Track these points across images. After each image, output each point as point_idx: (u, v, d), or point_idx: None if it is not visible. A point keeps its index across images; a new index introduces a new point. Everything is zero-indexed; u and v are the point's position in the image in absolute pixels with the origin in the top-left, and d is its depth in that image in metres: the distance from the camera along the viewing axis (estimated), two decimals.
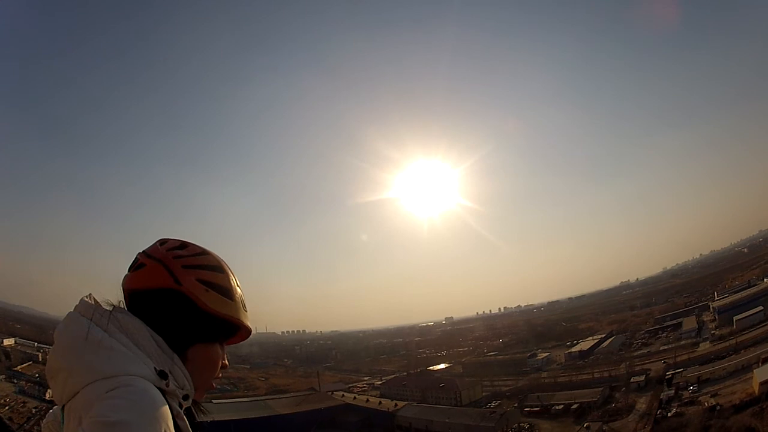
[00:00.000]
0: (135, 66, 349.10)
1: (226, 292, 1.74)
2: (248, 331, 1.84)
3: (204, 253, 1.78)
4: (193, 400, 1.68)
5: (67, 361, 1.44)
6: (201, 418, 1.76)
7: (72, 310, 1.60)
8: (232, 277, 1.79)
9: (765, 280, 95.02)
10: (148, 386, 1.39)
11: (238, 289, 1.80)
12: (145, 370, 1.45)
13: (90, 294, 1.66)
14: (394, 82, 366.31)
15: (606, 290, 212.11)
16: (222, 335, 1.77)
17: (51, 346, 1.36)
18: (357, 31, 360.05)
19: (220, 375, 1.81)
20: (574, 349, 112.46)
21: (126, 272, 1.76)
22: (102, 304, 1.63)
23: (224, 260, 1.82)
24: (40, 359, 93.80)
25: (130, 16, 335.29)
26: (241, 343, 1.87)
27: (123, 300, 1.70)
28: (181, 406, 1.56)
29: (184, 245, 1.78)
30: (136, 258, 1.76)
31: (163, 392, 1.45)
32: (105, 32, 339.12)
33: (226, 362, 1.81)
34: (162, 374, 1.49)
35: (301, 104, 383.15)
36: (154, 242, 1.81)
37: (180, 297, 1.66)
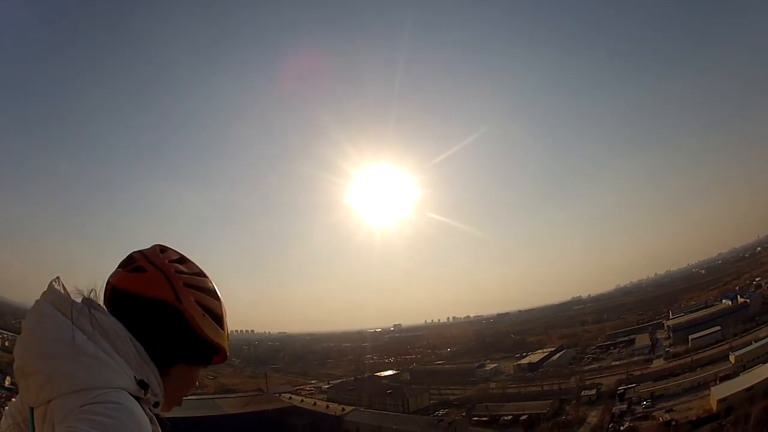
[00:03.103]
0: (97, 54, 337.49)
1: (219, 320, 1.69)
2: (226, 357, 1.78)
3: (203, 275, 1.71)
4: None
5: (44, 366, 1.32)
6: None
7: (41, 299, 1.46)
8: (222, 304, 1.73)
9: (723, 301, 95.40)
10: (131, 401, 1.32)
11: (226, 318, 1.74)
12: (126, 380, 1.37)
13: (58, 278, 1.52)
14: (350, 89, 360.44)
15: (557, 305, 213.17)
16: (206, 360, 1.72)
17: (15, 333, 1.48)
18: (314, 36, 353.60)
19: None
20: (523, 361, 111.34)
21: (117, 267, 1.63)
22: (71, 294, 1.50)
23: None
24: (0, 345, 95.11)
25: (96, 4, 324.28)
26: None
27: (95, 291, 1.56)
28: (151, 410, 1.48)
29: (183, 260, 1.70)
30: (132, 257, 1.64)
31: (139, 400, 1.39)
32: (69, 18, 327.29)
33: (197, 383, 1.77)
34: (142, 384, 1.42)
35: (257, 106, 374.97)
36: (152, 246, 1.71)
37: (177, 315, 1.58)
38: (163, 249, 1.68)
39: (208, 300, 1.65)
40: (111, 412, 1.23)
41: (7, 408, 1.54)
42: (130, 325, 1.49)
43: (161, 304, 1.55)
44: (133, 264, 1.60)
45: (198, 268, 1.70)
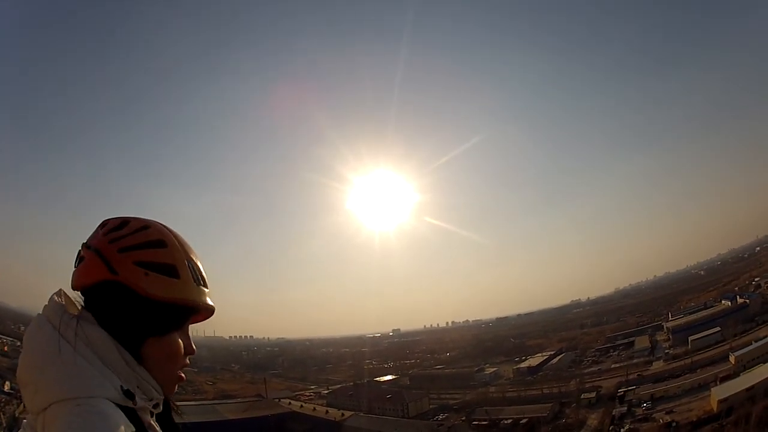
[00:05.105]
0: (98, 57, 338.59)
1: (169, 270, 1.48)
2: (208, 308, 1.59)
3: (145, 227, 1.51)
4: (166, 402, 1.55)
5: (34, 376, 1.34)
6: (177, 419, 1.61)
7: (41, 312, 1.45)
8: (178, 249, 1.52)
9: (722, 301, 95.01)
10: (111, 408, 1.30)
11: (188, 262, 1.52)
12: (110, 390, 1.33)
13: (60, 291, 1.50)
14: (350, 93, 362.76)
15: (556, 308, 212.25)
16: (175, 322, 1.53)
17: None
18: (314, 41, 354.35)
19: (188, 362, 1.59)
20: (522, 365, 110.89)
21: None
22: (76, 304, 1.49)
23: (175, 231, 1.56)
24: None
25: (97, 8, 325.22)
26: None
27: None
28: (152, 414, 1.46)
29: (124, 223, 1.52)
30: (79, 250, 1.52)
31: (131, 410, 1.36)
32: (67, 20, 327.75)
33: (193, 347, 1.59)
34: (128, 393, 1.36)
35: (257, 110, 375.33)
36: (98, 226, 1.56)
37: (118, 288, 1.43)
38: (104, 223, 1.53)
39: (148, 254, 1.45)
40: (83, 415, 1.23)
41: (25, 420, 1.51)
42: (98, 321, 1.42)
43: (100, 285, 1.43)
44: (79, 257, 1.49)
45: (141, 222, 1.51)
